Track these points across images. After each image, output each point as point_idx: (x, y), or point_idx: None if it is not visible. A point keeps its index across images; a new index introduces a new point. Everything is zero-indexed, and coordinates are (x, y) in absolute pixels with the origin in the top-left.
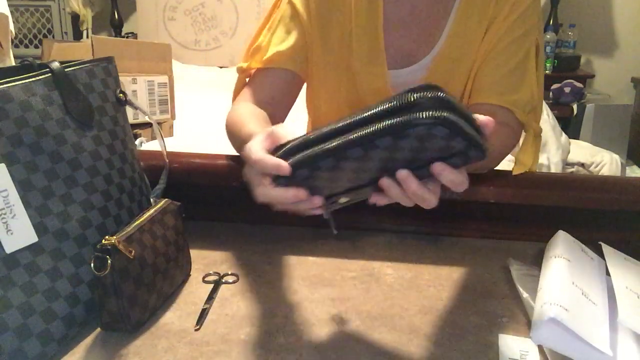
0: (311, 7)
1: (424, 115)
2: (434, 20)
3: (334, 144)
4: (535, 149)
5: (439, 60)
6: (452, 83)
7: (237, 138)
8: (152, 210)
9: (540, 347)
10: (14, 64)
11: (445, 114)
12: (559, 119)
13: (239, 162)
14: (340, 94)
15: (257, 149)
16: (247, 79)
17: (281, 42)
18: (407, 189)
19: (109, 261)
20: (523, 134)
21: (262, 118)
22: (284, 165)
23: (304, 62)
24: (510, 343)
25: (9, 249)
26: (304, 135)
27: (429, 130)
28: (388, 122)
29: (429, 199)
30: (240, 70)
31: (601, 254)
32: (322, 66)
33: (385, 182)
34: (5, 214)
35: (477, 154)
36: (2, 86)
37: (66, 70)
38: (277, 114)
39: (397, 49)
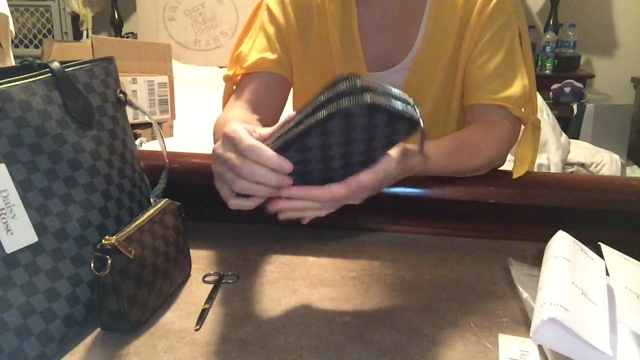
0: (288, 12)
1: (347, 102)
2: (408, 22)
3: (301, 127)
4: (534, 141)
5: (418, 61)
6: (433, 82)
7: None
8: (152, 211)
9: (540, 347)
10: (14, 64)
11: (363, 98)
12: (559, 119)
13: None
14: None
15: (247, 135)
16: (235, 87)
17: (262, 47)
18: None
19: (109, 261)
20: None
21: (251, 121)
22: (286, 164)
23: (288, 66)
24: (510, 343)
25: (9, 249)
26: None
27: (358, 112)
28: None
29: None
30: (227, 79)
31: (601, 254)
32: (304, 70)
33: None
34: (5, 214)
35: (410, 123)
36: (2, 86)
37: (66, 70)
38: (266, 119)
39: (375, 52)
